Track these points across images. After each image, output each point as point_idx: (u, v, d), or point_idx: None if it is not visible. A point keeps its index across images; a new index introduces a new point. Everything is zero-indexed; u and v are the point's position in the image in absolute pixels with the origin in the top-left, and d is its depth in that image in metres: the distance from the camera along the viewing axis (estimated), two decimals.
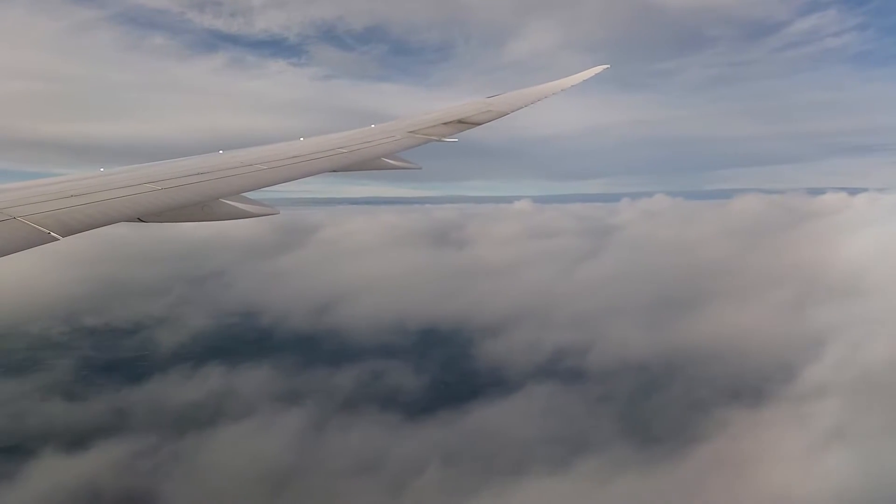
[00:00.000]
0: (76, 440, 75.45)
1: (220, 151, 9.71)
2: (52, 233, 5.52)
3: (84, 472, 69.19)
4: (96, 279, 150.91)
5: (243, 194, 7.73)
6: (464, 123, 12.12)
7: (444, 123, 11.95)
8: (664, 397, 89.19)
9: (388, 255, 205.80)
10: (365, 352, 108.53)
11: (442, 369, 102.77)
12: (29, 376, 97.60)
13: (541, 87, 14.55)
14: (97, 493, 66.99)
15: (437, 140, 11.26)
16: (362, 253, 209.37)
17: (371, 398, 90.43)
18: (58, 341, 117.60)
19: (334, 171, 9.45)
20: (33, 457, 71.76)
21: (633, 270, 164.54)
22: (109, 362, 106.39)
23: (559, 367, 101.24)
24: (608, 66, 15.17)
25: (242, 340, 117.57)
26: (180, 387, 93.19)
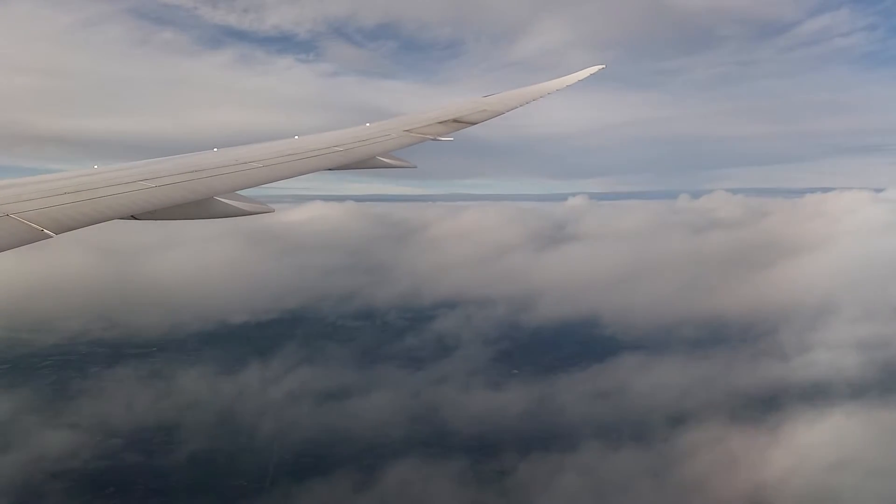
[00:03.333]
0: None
1: (215, 149, 9.70)
2: (45, 230, 5.52)
3: None
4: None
5: (238, 192, 7.73)
6: (459, 122, 12.12)
7: (440, 122, 11.96)
8: None
9: (572, 248, 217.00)
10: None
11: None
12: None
13: (537, 86, 14.57)
14: None
15: (432, 139, 11.27)
16: (531, 247, 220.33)
17: None
18: None
19: (329, 169, 9.45)
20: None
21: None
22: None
23: None
24: (604, 66, 15.18)
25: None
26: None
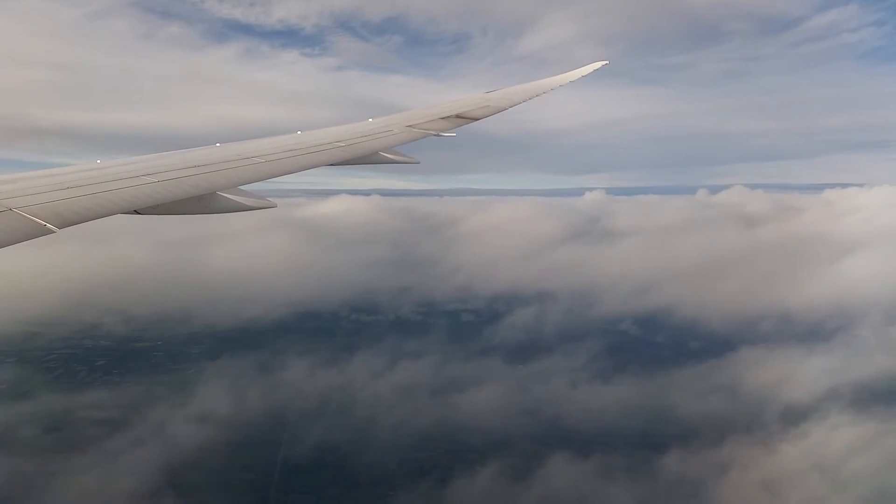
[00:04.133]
0: None
1: (217, 144, 9.70)
2: (48, 224, 5.53)
3: None
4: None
5: (240, 187, 7.73)
6: (462, 118, 12.11)
7: (442, 118, 11.94)
8: None
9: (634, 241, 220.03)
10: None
11: None
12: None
13: (539, 82, 14.54)
14: None
15: (434, 134, 11.25)
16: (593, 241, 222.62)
17: None
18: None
19: (332, 164, 9.44)
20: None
21: None
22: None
23: None
24: (607, 62, 15.16)
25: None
26: None
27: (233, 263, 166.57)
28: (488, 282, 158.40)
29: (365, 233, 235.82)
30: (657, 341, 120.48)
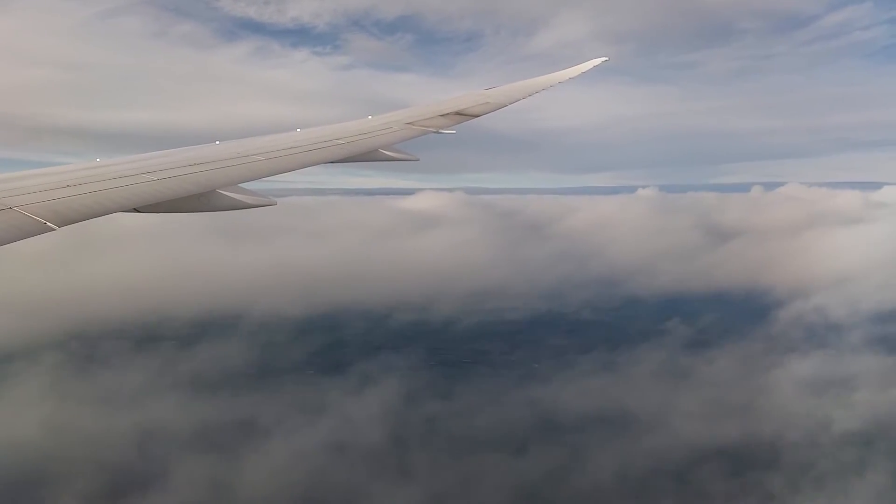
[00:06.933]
0: None
1: (217, 142, 9.71)
2: (48, 223, 5.55)
3: None
4: None
5: (240, 185, 7.74)
6: (462, 115, 12.10)
7: (442, 115, 11.94)
8: None
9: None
10: None
11: None
12: None
13: (539, 79, 14.53)
14: None
15: (434, 132, 11.25)
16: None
17: None
18: None
19: (331, 162, 9.44)
20: None
21: None
22: None
23: None
24: (607, 58, 15.13)
25: None
26: None
27: (431, 256, 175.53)
28: (661, 280, 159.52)
29: (496, 229, 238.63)
30: None
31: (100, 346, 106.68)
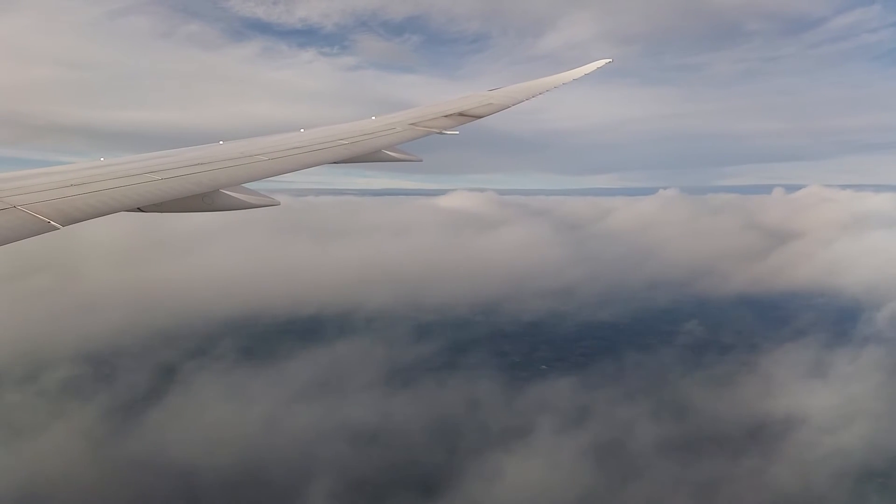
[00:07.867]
0: None
1: (221, 142, 9.71)
2: (51, 222, 5.56)
3: None
4: None
5: (243, 185, 7.74)
6: (465, 116, 12.09)
7: (446, 116, 11.93)
8: None
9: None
10: None
11: None
12: None
13: (542, 80, 14.52)
14: None
15: (437, 133, 11.24)
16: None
17: None
18: None
19: (335, 162, 9.44)
20: None
21: None
22: None
23: None
24: (611, 59, 15.12)
25: None
26: None
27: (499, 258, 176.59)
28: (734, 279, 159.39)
29: (550, 229, 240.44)
30: None
31: (267, 339, 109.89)
